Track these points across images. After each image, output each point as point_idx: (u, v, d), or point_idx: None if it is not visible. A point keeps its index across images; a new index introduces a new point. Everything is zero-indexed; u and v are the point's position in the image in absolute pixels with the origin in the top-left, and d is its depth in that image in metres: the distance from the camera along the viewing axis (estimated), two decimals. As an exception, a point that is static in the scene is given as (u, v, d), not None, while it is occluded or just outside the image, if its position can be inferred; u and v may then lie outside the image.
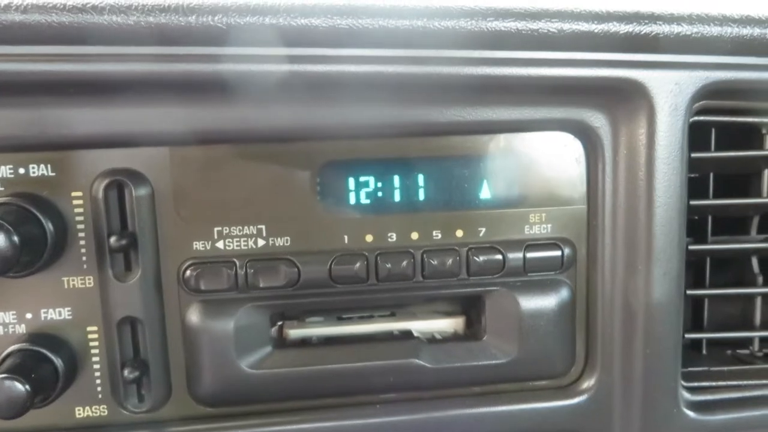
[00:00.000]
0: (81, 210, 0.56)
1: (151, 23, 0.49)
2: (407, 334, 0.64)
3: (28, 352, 0.55)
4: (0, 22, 0.48)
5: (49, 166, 0.56)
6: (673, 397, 0.63)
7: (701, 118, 0.62)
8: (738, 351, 0.71)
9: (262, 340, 0.60)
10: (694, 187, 0.64)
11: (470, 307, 0.66)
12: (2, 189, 0.55)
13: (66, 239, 0.56)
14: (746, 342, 0.71)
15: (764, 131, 0.65)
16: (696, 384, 0.65)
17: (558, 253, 0.62)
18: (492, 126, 0.60)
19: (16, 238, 0.50)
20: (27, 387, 0.52)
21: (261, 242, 0.59)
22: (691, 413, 0.64)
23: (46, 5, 0.48)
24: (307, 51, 0.52)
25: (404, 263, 0.59)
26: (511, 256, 0.61)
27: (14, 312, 0.57)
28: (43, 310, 0.58)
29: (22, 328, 0.57)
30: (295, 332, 0.64)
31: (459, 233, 0.61)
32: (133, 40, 0.50)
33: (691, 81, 0.58)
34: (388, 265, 0.59)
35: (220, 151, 0.57)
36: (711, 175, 0.67)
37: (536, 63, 0.56)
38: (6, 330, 0.57)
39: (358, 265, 0.59)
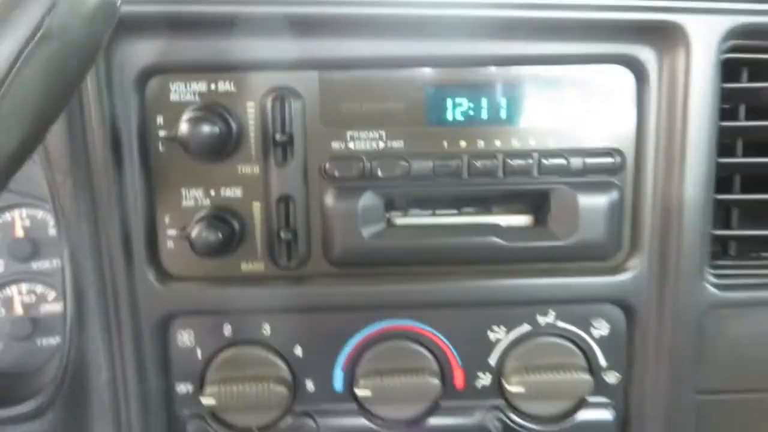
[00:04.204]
0: (253, 116, 0.76)
1: None
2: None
3: (216, 215, 0.76)
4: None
5: (232, 83, 0.75)
6: (700, 276, 0.78)
7: (732, 55, 0.77)
8: (763, 253, 0.85)
9: (378, 219, 0.79)
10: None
11: (538, 207, 0.82)
12: (198, 100, 0.76)
13: (241, 137, 0.76)
14: (773, 248, 0.85)
15: (786, 69, 0.79)
16: (721, 271, 0.80)
17: (611, 160, 0.77)
18: (559, 59, 0.75)
19: (218, 130, 0.71)
20: (219, 234, 0.73)
21: (381, 144, 0.77)
22: (714, 290, 0.78)
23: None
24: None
25: (489, 163, 0.77)
26: (573, 161, 0.77)
27: (202, 189, 0.78)
28: (222, 189, 0.78)
29: (207, 202, 0.78)
30: (400, 220, 0.82)
31: (532, 142, 0.78)
32: None
33: (721, 23, 0.73)
34: (478, 164, 0.76)
35: (355, 75, 0.76)
36: (742, 106, 0.82)
37: (594, 8, 0.72)
38: (197, 202, 0.78)
39: (454, 163, 0.77)
